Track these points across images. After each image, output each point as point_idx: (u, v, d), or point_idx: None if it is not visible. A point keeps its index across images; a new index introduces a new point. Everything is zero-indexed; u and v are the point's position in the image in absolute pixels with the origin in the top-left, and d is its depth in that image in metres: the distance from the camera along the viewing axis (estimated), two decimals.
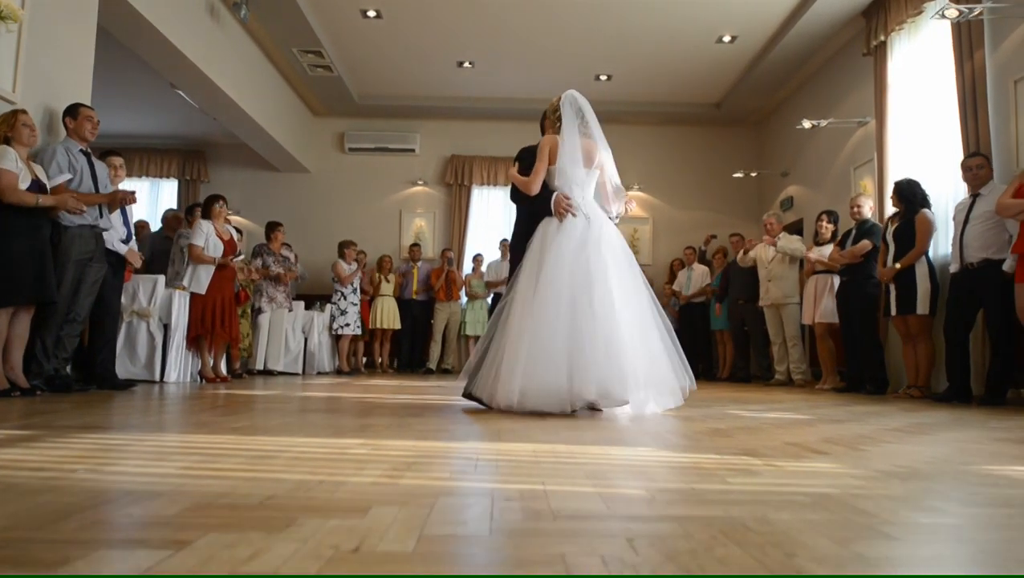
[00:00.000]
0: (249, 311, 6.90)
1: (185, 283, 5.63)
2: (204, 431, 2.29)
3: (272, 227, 7.70)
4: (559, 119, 3.58)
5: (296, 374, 7.63)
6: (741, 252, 7.67)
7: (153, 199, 10.35)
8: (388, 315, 8.99)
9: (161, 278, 5.53)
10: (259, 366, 7.26)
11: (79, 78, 4.69)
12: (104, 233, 4.46)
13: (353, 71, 8.79)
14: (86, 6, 4.79)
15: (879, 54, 6.50)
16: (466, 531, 1.05)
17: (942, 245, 5.43)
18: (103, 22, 5.44)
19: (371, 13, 7.19)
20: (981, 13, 4.92)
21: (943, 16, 4.85)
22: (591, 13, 7.18)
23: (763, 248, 7.37)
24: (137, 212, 9.92)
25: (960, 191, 5.22)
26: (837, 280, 6.22)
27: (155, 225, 8.23)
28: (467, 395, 3.42)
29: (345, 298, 8.41)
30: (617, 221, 3.77)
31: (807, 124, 7.19)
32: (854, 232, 6.01)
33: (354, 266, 8.53)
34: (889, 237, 5.45)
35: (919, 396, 5.13)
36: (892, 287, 5.34)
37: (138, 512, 1.16)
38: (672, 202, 10.20)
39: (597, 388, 3.07)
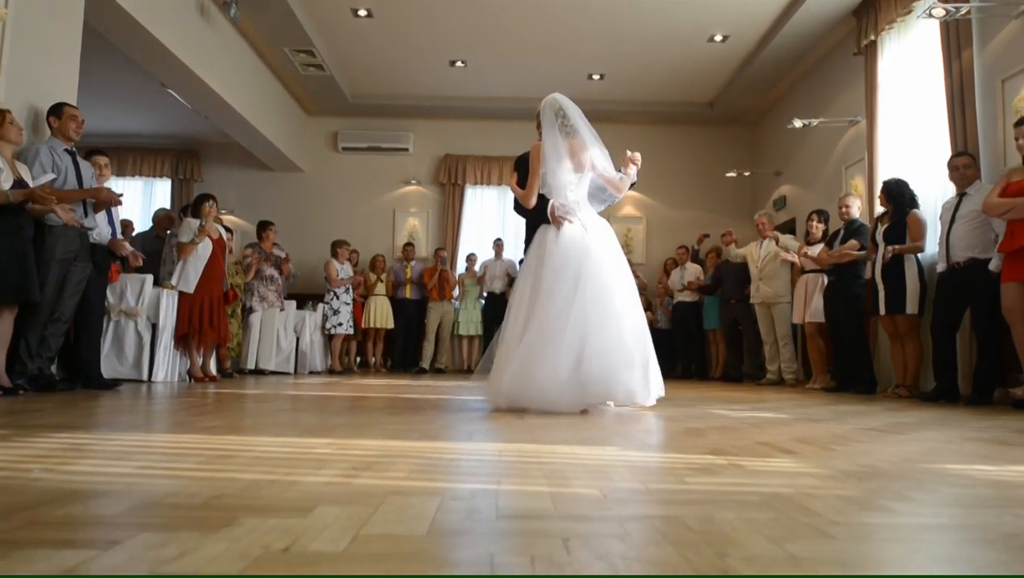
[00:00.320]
0: (239, 310, 6.89)
1: (173, 282, 5.63)
2: (173, 430, 2.29)
3: (263, 226, 7.71)
4: (539, 125, 3.60)
5: (288, 374, 7.63)
6: (732, 245, 7.68)
7: (146, 199, 10.34)
8: (381, 315, 8.99)
9: (149, 277, 5.53)
10: (250, 365, 7.26)
11: (65, 77, 4.68)
12: (90, 233, 4.46)
13: (345, 70, 8.79)
14: (72, 5, 4.78)
15: (870, 53, 6.49)
16: (402, 531, 1.05)
17: (930, 244, 5.42)
18: (92, 21, 5.44)
19: (362, 12, 7.18)
20: (968, 12, 4.91)
21: (930, 15, 4.84)
22: (583, 12, 7.18)
23: (754, 246, 7.37)
24: (131, 212, 9.98)
25: (949, 190, 5.22)
26: (827, 280, 6.22)
27: (148, 224, 8.22)
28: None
29: (338, 298, 8.41)
30: (635, 180, 3.81)
31: (798, 123, 7.18)
32: (842, 232, 6.01)
33: (347, 266, 8.53)
34: (879, 237, 5.44)
35: (907, 396, 5.13)
36: (881, 286, 5.33)
37: (78, 512, 1.15)
38: (666, 201, 10.19)
39: (607, 391, 3.22)
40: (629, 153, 3.78)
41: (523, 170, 3.70)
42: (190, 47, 6.51)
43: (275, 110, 8.92)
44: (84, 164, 4.51)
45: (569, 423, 2.79)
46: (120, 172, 10.18)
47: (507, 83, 8.94)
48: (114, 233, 4.85)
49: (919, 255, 5.25)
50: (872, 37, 6.37)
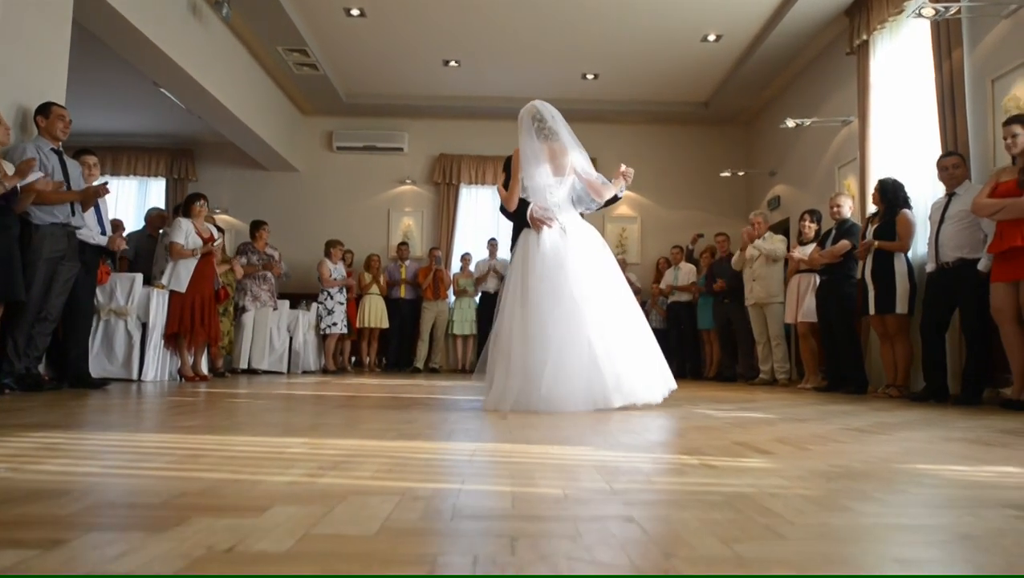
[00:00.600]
0: (231, 309, 6.88)
1: (164, 281, 5.62)
2: (151, 430, 2.29)
3: (257, 225, 7.70)
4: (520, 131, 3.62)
5: (281, 373, 7.63)
6: (737, 253, 7.63)
7: (141, 198, 10.33)
8: (376, 314, 8.98)
9: (139, 277, 5.53)
10: (243, 365, 7.25)
11: (53, 76, 4.67)
12: (78, 231, 4.46)
13: (339, 70, 8.78)
14: (60, 4, 4.77)
15: (862, 53, 6.49)
16: (352, 531, 1.04)
17: (920, 245, 5.42)
18: (83, 21, 5.44)
19: (355, 12, 7.17)
20: (958, 12, 4.91)
21: (919, 15, 4.84)
22: (575, 12, 7.17)
23: (749, 248, 7.36)
24: (126, 211, 9.99)
25: (939, 190, 5.21)
26: (819, 280, 6.22)
27: (142, 224, 8.22)
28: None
29: (332, 297, 8.41)
30: (623, 194, 3.85)
31: (791, 123, 7.18)
32: (834, 232, 6.01)
33: (340, 266, 8.53)
34: (869, 237, 5.44)
35: (897, 396, 5.12)
36: (871, 286, 5.33)
37: (34, 511, 1.15)
38: (660, 201, 10.19)
39: (587, 395, 3.23)
40: (624, 168, 3.79)
41: (509, 172, 3.74)
42: (182, 47, 6.51)
43: (269, 110, 8.92)
44: (71, 163, 4.50)
45: (551, 423, 2.78)
46: (115, 171, 10.19)
47: (501, 83, 8.94)
48: (103, 231, 4.85)
49: (909, 255, 5.25)
50: (864, 37, 6.36)
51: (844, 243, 5.80)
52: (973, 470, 1.78)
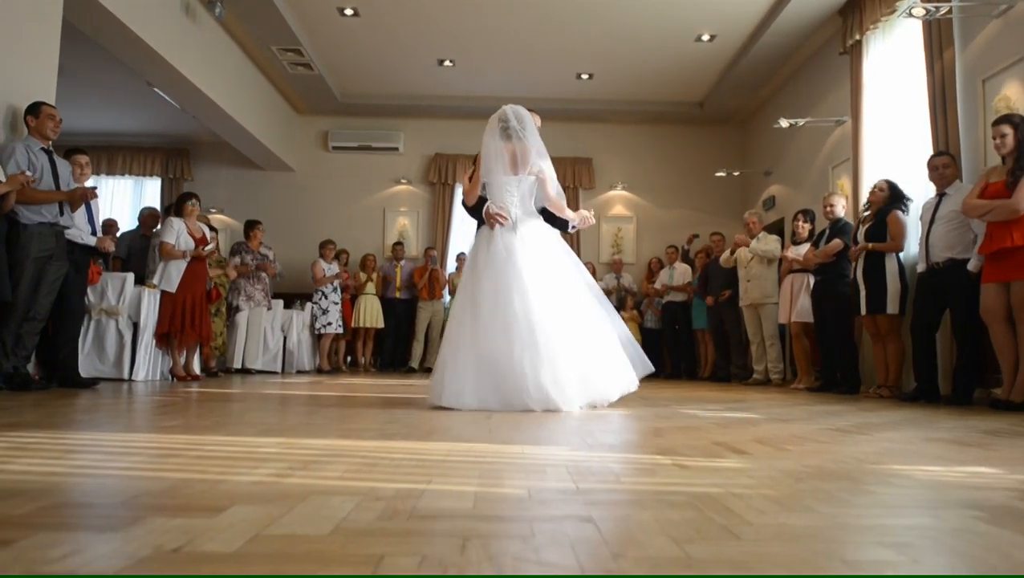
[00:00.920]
0: (224, 309, 6.88)
1: (156, 281, 5.62)
2: (128, 429, 2.28)
3: (251, 225, 7.70)
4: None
5: (275, 373, 7.62)
6: (727, 252, 7.64)
7: (136, 197, 10.33)
8: (371, 314, 8.98)
9: (130, 276, 5.53)
10: (237, 365, 7.25)
11: (43, 76, 4.67)
12: (67, 231, 4.45)
13: (334, 69, 8.78)
14: (51, 3, 4.77)
15: (855, 53, 6.49)
16: (305, 531, 1.04)
17: (911, 245, 5.41)
18: (74, 20, 5.44)
19: (348, 11, 7.17)
20: (949, 12, 4.91)
21: (910, 15, 4.84)
22: (569, 11, 7.17)
23: (742, 249, 7.36)
24: (121, 211, 9.99)
25: (931, 191, 5.20)
26: (812, 279, 6.22)
27: (135, 224, 8.22)
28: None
29: (326, 297, 8.41)
30: (574, 231, 3.81)
31: (784, 123, 7.17)
32: (827, 231, 6.00)
33: (334, 266, 8.52)
34: (860, 237, 5.43)
35: (888, 396, 5.12)
36: (862, 286, 5.32)
37: None
38: (656, 201, 10.19)
39: (515, 395, 3.19)
40: (589, 213, 3.77)
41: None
42: (175, 46, 6.50)
43: (264, 109, 8.92)
44: (61, 163, 4.50)
45: (536, 423, 2.78)
46: (110, 171, 10.20)
47: (496, 82, 8.93)
48: (94, 231, 4.84)
49: (900, 255, 5.24)
50: (857, 37, 6.36)
51: (837, 242, 5.79)
52: (944, 471, 1.78)
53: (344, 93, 9.50)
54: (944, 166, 4.74)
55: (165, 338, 5.63)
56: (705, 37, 7.62)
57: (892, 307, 5.13)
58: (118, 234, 7.23)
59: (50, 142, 4.40)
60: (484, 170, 3.59)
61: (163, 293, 5.60)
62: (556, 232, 3.63)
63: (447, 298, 9.45)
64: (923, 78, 5.38)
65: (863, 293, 5.30)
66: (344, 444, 2.03)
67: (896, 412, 3.78)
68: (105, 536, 0.99)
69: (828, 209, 6.00)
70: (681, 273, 8.77)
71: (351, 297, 8.95)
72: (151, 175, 10.29)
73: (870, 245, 5.20)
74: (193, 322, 5.66)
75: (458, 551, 0.95)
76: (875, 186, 5.42)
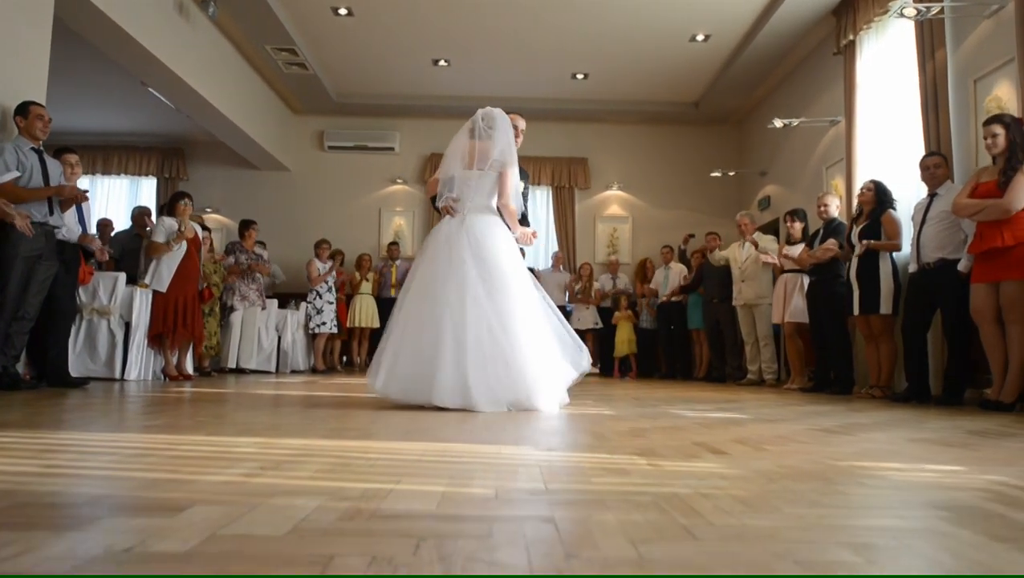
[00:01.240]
0: (217, 309, 6.88)
1: (147, 281, 5.62)
2: (108, 429, 2.28)
3: (245, 225, 7.69)
4: None
5: (269, 373, 7.62)
6: (716, 250, 7.65)
7: (132, 197, 10.32)
8: (366, 314, 8.96)
9: (122, 276, 5.52)
10: (231, 364, 7.25)
11: (33, 75, 4.67)
12: (56, 230, 4.45)
13: (329, 69, 8.78)
14: (42, 2, 4.77)
15: (848, 53, 6.48)
16: (261, 532, 1.04)
17: (905, 245, 5.40)
18: (67, 20, 5.43)
19: (342, 11, 7.17)
20: (941, 12, 4.90)
21: (902, 15, 4.83)
22: (563, 11, 7.16)
23: (736, 248, 7.36)
24: (116, 210, 9.98)
25: (923, 191, 5.20)
26: (806, 280, 6.21)
27: (129, 224, 8.21)
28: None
29: (321, 297, 8.40)
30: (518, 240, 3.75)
31: (778, 123, 7.17)
32: (821, 232, 6.00)
33: (328, 265, 8.52)
34: (854, 237, 5.43)
35: (880, 396, 5.11)
36: (856, 286, 5.32)
37: None
38: (652, 201, 10.18)
39: (430, 388, 3.17)
40: (530, 231, 3.74)
41: None
42: (168, 46, 6.50)
43: (259, 109, 8.91)
44: (52, 162, 4.49)
45: (517, 423, 2.78)
46: (105, 170, 10.19)
47: (491, 82, 8.93)
48: (85, 231, 4.84)
49: (894, 255, 5.23)
50: (851, 37, 6.36)
51: (832, 242, 5.79)
52: (920, 471, 1.78)
53: (340, 93, 9.50)
54: (935, 166, 4.73)
55: (157, 338, 5.63)
56: (700, 37, 7.62)
57: (886, 307, 5.12)
58: (112, 233, 7.24)
59: (40, 142, 4.39)
60: (442, 165, 3.67)
61: (155, 293, 5.60)
62: (505, 230, 3.54)
63: None
64: (915, 78, 5.38)
65: (856, 293, 5.30)
66: (322, 444, 2.03)
67: (886, 412, 3.78)
68: (61, 536, 0.99)
69: (823, 209, 5.99)
70: (676, 273, 8.76)
71: (346, 297, 8.94)
72: (147, 175, 10.29)
73: (872, 243, 5.18)
74: (185, 321, 5.65)
75: (411, 551, 0.94)
76: (863, 187, 5.42)
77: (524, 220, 3.96)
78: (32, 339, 4.48)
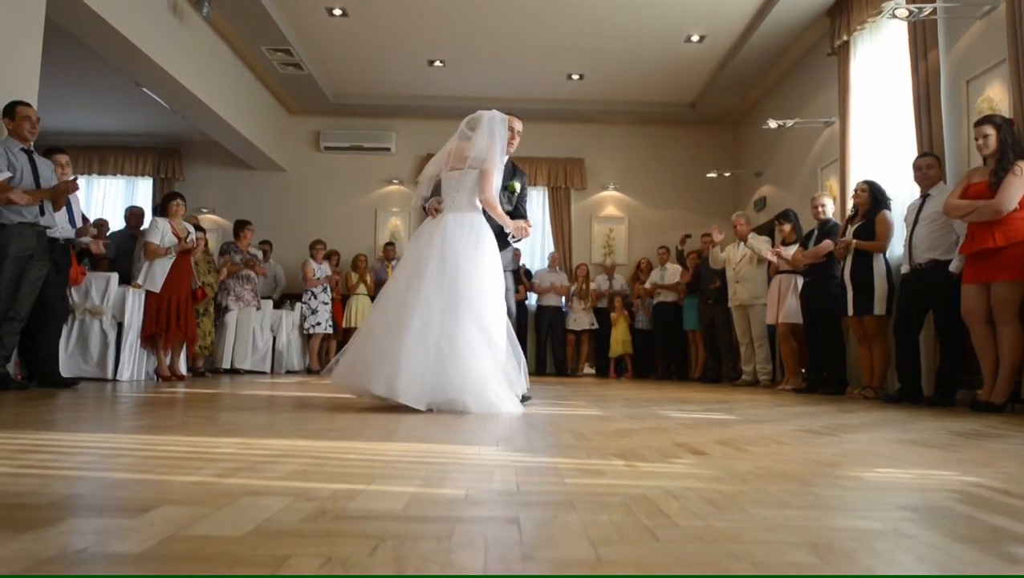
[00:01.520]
0: (211, 309, 6.87)
1: (140, 281, 5.62)
2: (88, 430, 2.28)
3: (241, 225, 7.69)
4: None
5: (264, 373, 7.62)
6: (716, 249, 7.62)
7: (128, 197, 10.31)
8: (363, 314, 8.94)
9: (114, 276, 5.52)
10: (226, 365, 7.25)
11: (25, 75, 4.67)
12: (48, 230, 4.45)
13: (324, 70, 8.77)
14: (33, 2, 4.77)
15: (843, 54, 6.48)
16: (222, 532, 1.03)
17: (898, 246, 5.40)
18: (59, 20, 5.43)
19: (337, 11, 7.17)
20: (933, 13, 4.90)
21: (894, 16, 4.83)
22: (558, 12, 7.16)
23: (732, 248, 7.36)
24: (112, 210, 9.98)
25: (916, 192, 5.20)
26: (800, 280, 6.21)
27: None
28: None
29: (315, 297, 8.40)
30: (514, 241, 3.80)
31: (772, 124, 7.17)
32: (816, 232, 6.00)
33: (325, 267, 8.52)
34: (849, 237, 5.42)
35: (872, 397, 5.11)
36: (849, 287, 5.32)
37: None
38: (648, 202, 10.18)
39: (368, 375, 3.18)
40: (525, 223, 3.73)
41: None
42: (163, 46, 6.50)
43: (255, 109, 8.91)
44: (43, 162, 4.49)
45: (505, 424, 2.77)
46: (101, 171, 10.19)
47: (487, 83, 8.93)
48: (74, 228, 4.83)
49: (888, 256, 5.23)
50: (845, 38, 6.36)
51: (827, 243, 5.78)
52: (897, 472, 1.78)
53: (336, 93, 9.50)
54: (928, 167, 4.73)
55: (150, 338, 5.62)
56: (695, 38, 7.62)
57: (879, 308, 5.12)
58: (108, 233, 7.23)
59: (30, 143, 4.39)
60: (426, 168, 3.78)
61: (148, 293, 5.60)
62: (485, 230, 3.50)
63: None
64: (908, 79, 5.37)
65: (850, 294, 5.30)
66: (302, 444, 2.03)
67: (876, 413, 3.78)
68: (18, 537, 0.98)
69: (819, 209, 5.99)
70: (672, 274, 8.76)
71: (342, 297, 8.94)
72: (143, 175, 10.29)
73: (854, 242, 5.20)
74: (178, 322, 5.65)
75: (368, 552, 0.94)
76: (856, 187, 5.42)
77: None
78: (23, 339, 4.48)
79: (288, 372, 8.03)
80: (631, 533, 1.07)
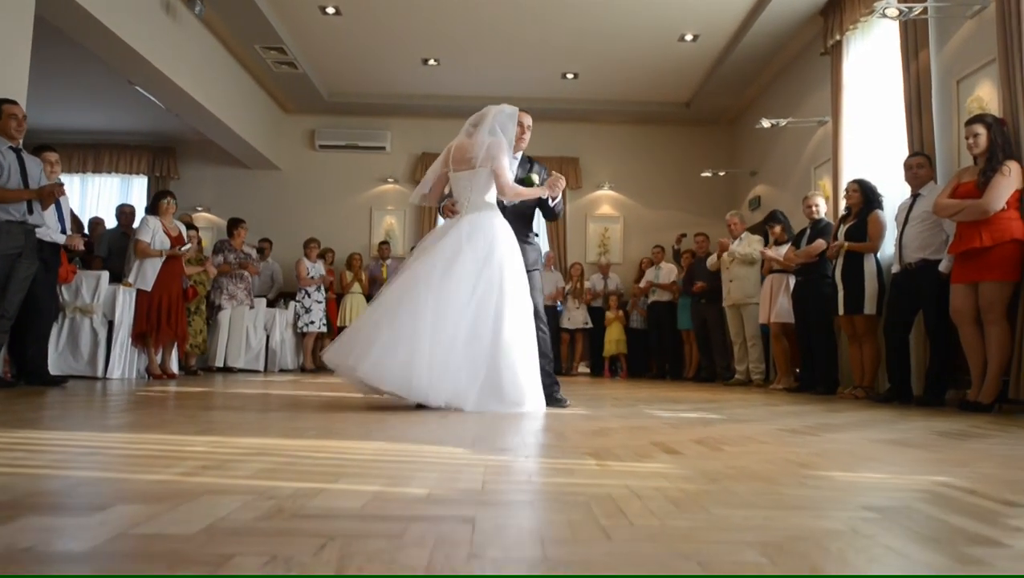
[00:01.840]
0: (203, 308, 6.86)
1: (131, 279, 5.61)
2: (65, 428, 2.27)
3: (234, 224, 7.67)
4: None
5: (257, 372, 7.61)
6: (713, 256, 7.59)
7: (123, 196, 10.30)
8: (357, 313, 8.95)
9: (105, 274, 5.52)
10: (219, 363, 7.24)
11: (14, 73, 4.66)
12: (36, 229, 4.44)
13: (319, 69, 8.76)
14: (22, 1, 4.76)
15: (835, 54, 6.48)
16: (173, 530, 1.03)
17: (889, 246, 5.40)
18: (49, 17, 5.42)
19: (330, 10, 7.16)
20: (923, 12, 4.89)
21: (884, 15, 4.82)
22: (553, 10, 7.15)
23: (724, 255, 7.35)
24: (107, 209, 9.96)
25: (908, 191, 5.19)
26: (792, 280, 6.21)
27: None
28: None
29: (309, 296, 8.39)
30: (558, 206, 3.84)
31: (766, 123, 7.17)
32: (808, 231, 5.99)
33: (319, 265, 8.51)
34: (841, 237, 5.42)
35: (863, 396, 5.11)
36: (840, 287, 5.31)
37: None
38: (643, 201, 10.17)
39: (372, 375, 3.11)
40: (555, 175, 3.74)
41: None
42: (155, 44, 6.48)
43: (250, 108, 8.90)
44: (32, 160, 4.48)
45: (483, 422, 2.77)
46: (96, 169, 10.18)
47: (481, 82, 8.92)
48: (64, 229, 4.83)
49: (880, 256, 5.23)
50: (838, 37, 6.35)
51: (820, 242, 5.78)
52: (868, 472, 1.77)
53: (331, 92, 9.49)
54: (918, 166, 4.73)
55: (141, 336, 5.62)
56: (688, 37, 7.61)
57: (870, 307, 5.11)
58: (101, 232, 7.23)
59: (19, 141, 4.38)
60: (431, 169, 3.75)
61: (139, 292, 5.59)
62: (505, 228, 3.50)
63: None
64: (900, 79, 5.37)
65: (841, 294, 5.29)
66: (275, 443, 2.02)
67: (864, 413, 3.77)
68: None
69: (813, 208, 5.99)
70: (667, 273, 8.75)
71: (336, 296, 8.94)
72: (137, 173, 10.27)
73: (846, 244, 5.20)
74: (169, 320, 5.65)
75: (314, 552, 0.94)
76: (848, 187, 5.42)
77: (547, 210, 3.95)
78: (12, 338, 4.48)
79: (282, 371, 8.02)
80: (585, 533, 1.06)
